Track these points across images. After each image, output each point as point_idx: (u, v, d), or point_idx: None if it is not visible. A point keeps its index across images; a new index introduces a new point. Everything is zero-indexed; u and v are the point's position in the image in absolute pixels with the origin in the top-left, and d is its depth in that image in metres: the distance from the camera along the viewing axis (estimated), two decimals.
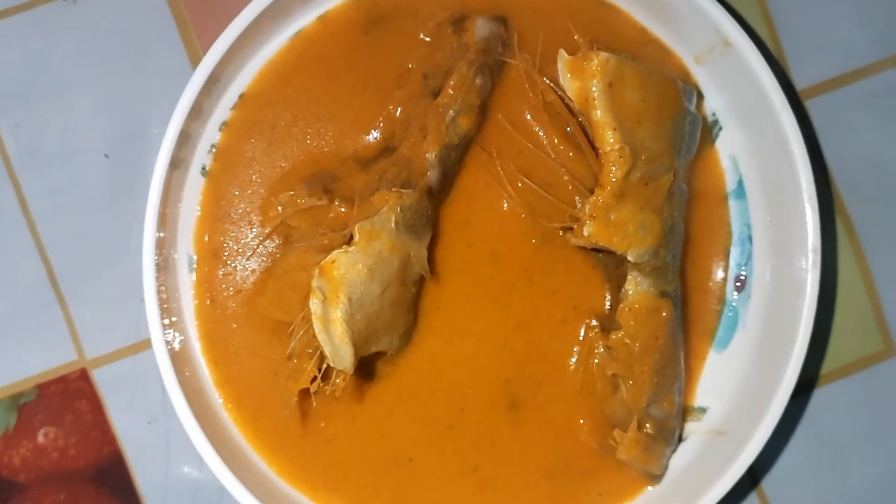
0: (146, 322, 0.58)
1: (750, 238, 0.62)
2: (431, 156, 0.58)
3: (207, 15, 0.64)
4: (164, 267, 0.59)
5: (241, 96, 0.61)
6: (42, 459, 0.63)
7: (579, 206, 0.59)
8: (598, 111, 0.56)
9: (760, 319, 0.61)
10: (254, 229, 0.61)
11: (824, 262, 0.58)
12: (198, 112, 0.59)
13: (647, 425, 0.58)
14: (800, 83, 0.65)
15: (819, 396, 0.65)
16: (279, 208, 0.60)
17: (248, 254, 0.61)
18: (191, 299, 0.60)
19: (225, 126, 0.61)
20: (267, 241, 0.61)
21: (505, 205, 0.61)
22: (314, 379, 0.55)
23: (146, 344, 0.63)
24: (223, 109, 0.61)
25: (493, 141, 0.61)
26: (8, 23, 0.64)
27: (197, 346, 0.60)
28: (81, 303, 0.63)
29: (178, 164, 0.59)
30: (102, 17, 0.64)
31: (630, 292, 0.58)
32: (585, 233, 0.56)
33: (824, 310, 0.64)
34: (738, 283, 0.62)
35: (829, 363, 0.65)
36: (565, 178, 0.60)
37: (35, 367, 0.63)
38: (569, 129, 0.59)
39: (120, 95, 0.63)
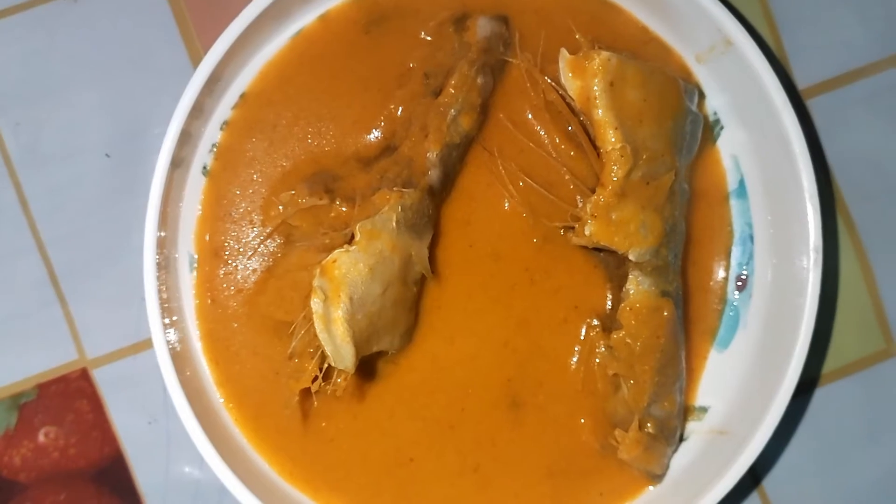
0: (147, 321, 0.58)
1: (751, 237, 0.62)
2: (433, 155, 0.58)
3: (208, 14, 0.64)
4: (165, 266, 0.59)
5: (243, 96, 0.61)
6: (42, 459, 0.63)
7: (581, 205, 0.59)
8: (600, 110, 0.55)
9: (762, 319, 0.61)
10: (255, 228, 0.61)
11: (826, 261, 0.59)
12: (199, 111, 0.59)
13: (649, 425, 0.58)
14: (801, 82, 0.65)
15: (820, 396, 0.65)
16: (280, 208, 0.60)
17: (250, 253, 0.60)
18: (192, 299, 0.60)
19: (226, 125, 0.61)
20: (268, 241, 0.60)
21: (506, 204, 0.61)
22: (315, 378, 0.55)
23: (147, 343, 0.63)
24: (224, 109, 0.61)
25: (494, 140, 0.61)
26: (8, 22, 0.63)
27: (198, 346, 0.60)
28: (82, 302, 0.63)
29: (179, 163, 0.59)
30: (103, 17, 0.64)
31: (631, 292, 0.58)
32: (587, 232, 0.56)
33: (826, 309, 0.64)
34: (740, 283, 0.62)
35: (831, 363, 0.65)
36: (566, 177, 0.60)
37: (35, 367, 0.63)
38: (570, 128, 0.59)
39: (120, 95, 0.63)
